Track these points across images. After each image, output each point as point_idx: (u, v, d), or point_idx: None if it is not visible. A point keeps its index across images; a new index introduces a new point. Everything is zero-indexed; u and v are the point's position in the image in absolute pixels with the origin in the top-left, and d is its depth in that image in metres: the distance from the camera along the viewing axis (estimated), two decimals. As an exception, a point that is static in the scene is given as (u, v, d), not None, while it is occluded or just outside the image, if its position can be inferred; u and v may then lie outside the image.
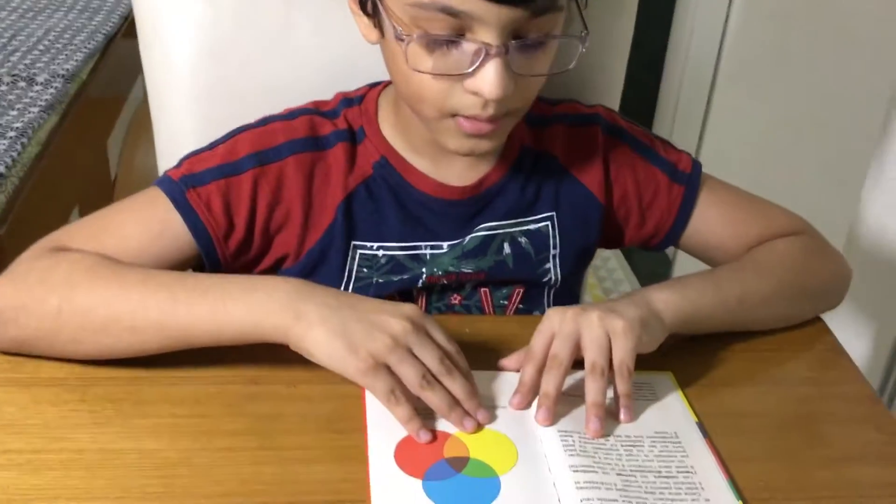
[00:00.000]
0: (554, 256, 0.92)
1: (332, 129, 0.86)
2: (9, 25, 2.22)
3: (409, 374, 0.70)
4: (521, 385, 0.75)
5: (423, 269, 0.88)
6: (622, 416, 0.74)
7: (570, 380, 0.75)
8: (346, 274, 0.87)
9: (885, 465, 0.75)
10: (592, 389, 0.73)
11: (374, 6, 0.77)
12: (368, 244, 0.86)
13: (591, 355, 0.74)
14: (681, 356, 0.83)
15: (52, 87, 1.91)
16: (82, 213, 1.92)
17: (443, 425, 0.72)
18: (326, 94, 0.90)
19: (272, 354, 0.77)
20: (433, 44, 0.73)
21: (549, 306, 0.94)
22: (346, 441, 0.71)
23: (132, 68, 2.33)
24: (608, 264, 2.48)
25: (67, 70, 1.98)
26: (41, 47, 2.10)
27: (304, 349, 0.71)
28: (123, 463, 0.67)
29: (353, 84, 0.91)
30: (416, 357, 0.71)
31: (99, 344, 0.74)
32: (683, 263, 0.97)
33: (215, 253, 0.83)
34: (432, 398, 0.71)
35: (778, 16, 1.98)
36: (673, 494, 0.68)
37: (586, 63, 1.02)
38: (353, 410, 0.73)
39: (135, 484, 0.65)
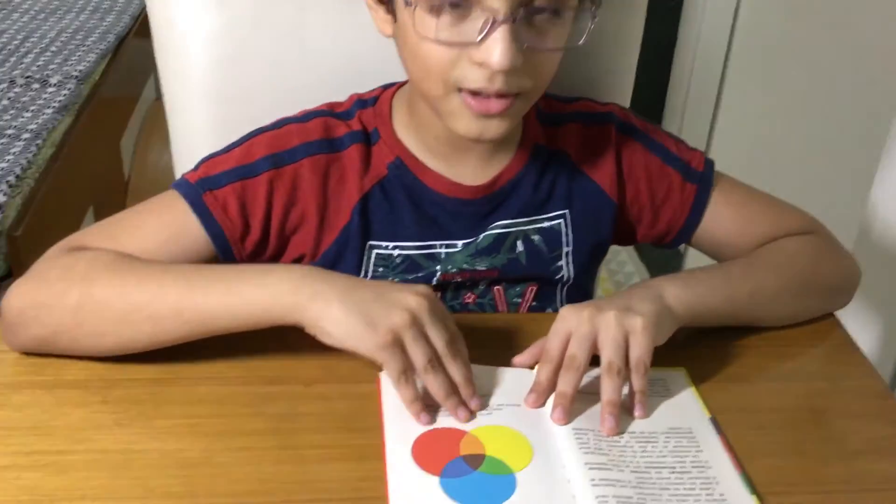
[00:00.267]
0: (567, 254, 0.92)
1: (346, 130, 0.87)
2: (21, 27, 2.24)
3: (419, 355, 0.72)
4: (537, 384, 0.76)
5: (438, 268, 0.89)
6: (637, 412, 0.75)
7: (585, 378, 0.75)
8: (363, 273, 0.88)
9: (897, 460, 0.75)
10: (608, 388, 0.74)
11: None
12: (384, 244, 0.87)
13: (608, 354, 0.74)
14: (694, 352, 0.83)
15: (65, 88, 1.92)
16: (97, 214, 1.94)
17: (457, 423, 0.73)
18: (340, 95, 0.91)
19: (288, 355, 0.79)
20: (440, 8, 0.74)
21: (561, 304, 0.95)
22: (363, 440, 0.71)
23: (144, 68, 2.34)
24: (619, 257, 2.48)
25: (80, 71, 1.99)
26: (53, 49, 2.11)
27: (321, 328, 0.72)
28: (146, 463, 0.68)
29: (367, 85, 0.91)
30: (426, 338, 0.72)
31: (120, 336, 0.75)
32: (695, 258, 0.98)
33: (232, 254, 0.84)
34: (433, 382, 0.72)
35: (787, 9, 1.98)
36: (687, 490, 0.69)
37: (596, 60, 1.03)
38: (369, 409, 0.74)
39: (158, 483, 0.66)
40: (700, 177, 0.93)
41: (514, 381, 0.78)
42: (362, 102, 0.90)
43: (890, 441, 0.77)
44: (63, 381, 0.76)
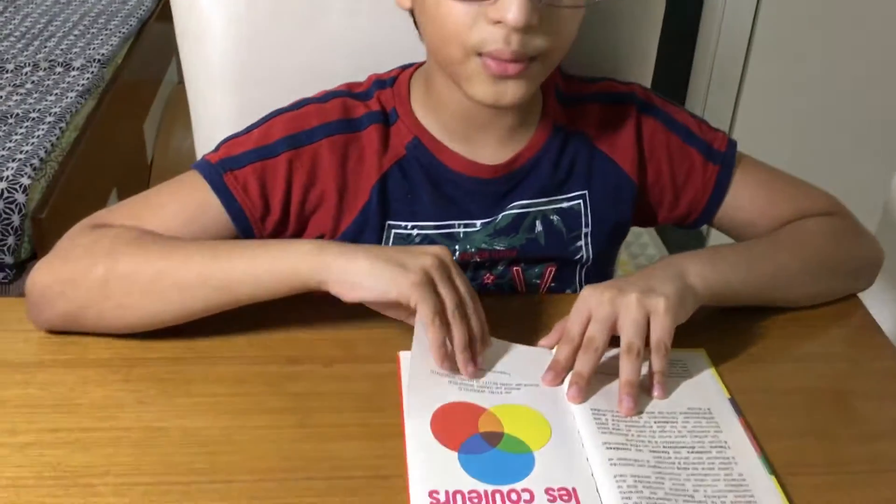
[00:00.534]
0: (586, 235, 0.92)
1: (364, 111, 0.87)
2: (44, 11, 2.25)
3: (449, 297, 0.73)
4: (555, 363, 0.76)
5: (457, 247, 0.89)
6: (656, 393, 0.75)
7: (604, 358, 0.75)
8: (381, 253, 0.88)
9: (919, 441, 0.75)
10: (627, 369, 0.74)
11: None
12: (403, 223, 0.88)
13: (628, 336, 0.74)
14: (714, 333, 0.83)
15: (88, 71, 1.93)
16: (121, 197, 1.96)
17: (477, 399, 0.73)
18: (360, 77, 0.91)
19: (309, 335, 0.79)
20: None
21: (581, 285, 0.95)
22: (383, 419, 0.72)
23: (166, 51, 2.35)
24: (640, 239, 2.47)
25: (103, 55, 2.00)
26: (76, 32, 2.13)
27: (349, 281, 0.73)
28: (169, 440, 0.69)
29: (385, 66, 0.91)
30: (454, 283, 0.74)
31: (145, 309, 0.76)
32: (717, 239, 0.97)
33: (252, 234, 0.85)
34: (457, 329, 0.73)
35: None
36: (706, 470, 0.69)
37: (618, 37, 1.02)
38: (389, 388, 0.75)
39: (180, 461, 0.67)
40: (722, 157, 0.93)
41: (533, 361, 0.78)
42: (381, 83, 0.90)
43: (912, 422, 0.77)
44: (86, 359, 0.77)
